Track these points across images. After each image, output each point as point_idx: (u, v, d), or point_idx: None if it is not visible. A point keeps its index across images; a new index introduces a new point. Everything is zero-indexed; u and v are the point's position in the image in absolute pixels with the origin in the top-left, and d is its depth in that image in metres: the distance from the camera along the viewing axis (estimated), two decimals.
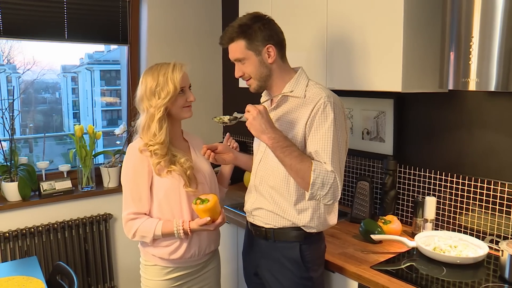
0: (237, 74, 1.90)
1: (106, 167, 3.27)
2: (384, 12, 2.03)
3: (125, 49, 3.50)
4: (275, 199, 1.86)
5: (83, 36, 3.24)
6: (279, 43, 1.85)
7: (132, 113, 3.36)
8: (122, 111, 3.70)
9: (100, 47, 5.24)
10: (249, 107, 1.71)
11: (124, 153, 3.39)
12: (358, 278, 1.90)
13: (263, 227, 1.92)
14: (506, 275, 1.81)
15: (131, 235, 1.91)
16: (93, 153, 3.20)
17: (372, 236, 2.15)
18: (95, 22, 3.25)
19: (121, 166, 3.33)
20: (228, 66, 3.71)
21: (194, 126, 3.60)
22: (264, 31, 1.80)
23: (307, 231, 1.85)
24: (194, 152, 2.06)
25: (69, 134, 3.22)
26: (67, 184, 3.14)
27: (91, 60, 6.08)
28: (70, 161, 3.33)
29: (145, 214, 1.92)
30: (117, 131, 3.31)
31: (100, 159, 3.51)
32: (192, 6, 3.58)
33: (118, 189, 3.28)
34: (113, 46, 4.17)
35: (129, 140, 3.43)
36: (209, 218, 1.83)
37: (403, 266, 1.96)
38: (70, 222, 3.11)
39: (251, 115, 1.69)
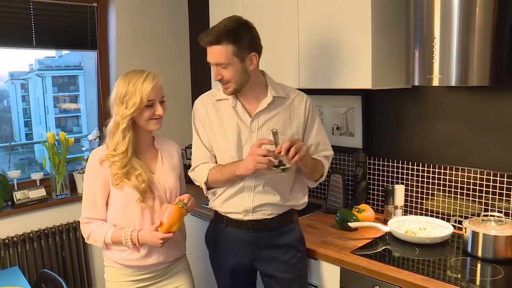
0: (215, 77, 1.90)
1: (80, 173, 3.28)
2: (353, 15, 2.18)
3: (85, 54, 3.54)
4: (278, 190, 1.99)
5: (51, 42, 3.24)
6: (260, 51, 1.93)
7: (104, 119, 3.40)
8: (86, 117, 3.70)
9: (51, 53, 5.15)
10: (298, 145, 1.76)
11: None
12: (340, 263, 2.05)
13: (265, 219, 1.99)
14: (469, 249, 2.03)
15: (86, 238, 1.96)
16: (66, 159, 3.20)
17: (350, 223, 2.31)
18: (63, 28, 3.25)
19: None
20: (196, 70, 3.80)
21: (163, 130, 3.65)
22: (250, 39, 1.86)
23: (299, 209, 2.09)
24: (161, 162, 2.02)
25: (40, 141, 3.21)
26: (41, 192, 3.12)
27: (42, 66, 5.96)
28: (24, 171, 3.31)
29: (101, 219, 1.95)
30: (90, 136, 3.33)
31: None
32: (159, 12, 3.63)
33: None
34: (64, 52, 4.15)
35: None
36: (159, 222, 1.84)
37: (379, 250, 2.12)
38: (46, 231, 3.09)
39: (303, 150, 1.79)
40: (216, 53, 1.84)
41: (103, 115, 3.47)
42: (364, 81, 2.17)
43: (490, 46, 1.86)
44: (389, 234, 2.27)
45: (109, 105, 1.92)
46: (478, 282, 1.83)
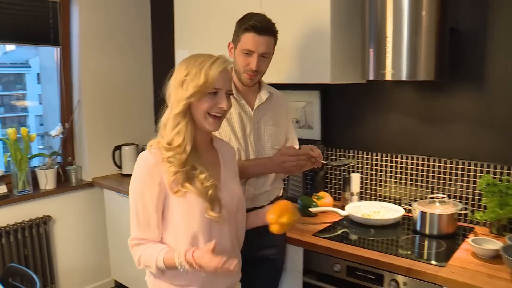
0: (257, 67, 1.90)
1: (43, 169, 3.29)
2: (313, 13, 2.35)
3: (41, 50, 3.54)
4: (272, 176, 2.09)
5: (12, 37, 3.23)
6: None
7: (67, 115, 3.43)
8: (47, 114, 3.70)
9: None
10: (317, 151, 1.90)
11: (60, 155, 3.45)
12: (303, 244, 2.22)
13: (264, 205, 1.99)
14: (418, 227, 2.26)
15: (137, 263, 1.55)
16: (28, 156, 3.20)
17: (311, 209, 2.48)
18: (25, 23, 3.24)
19: (57, 167, 3.38)
20: (158, 67, 3.86)
21: (125, 127, 3.73)
22: None
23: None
24: (224, 166, 1.69)
25: (2, 138, 3.19)
26: (2, 189, 3.09)
27: None
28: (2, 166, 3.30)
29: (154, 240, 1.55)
30: (54, 132, 3.34)
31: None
32: (122, 8, 3.67)
33: (55, 191, 3.33)
34: (9, 48, 4.09)
35: (64, 142, 3.49)
36: (214, 241, 1.43)
37: (339, 232, 2.31)
38: (8, 228, 3.06)
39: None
40: (266, 43, 1.89)
41: (68, 111, 3.50)
42: (324, 76, 2.34)
43: (434, 44, 2.09)
44: (347, 218, 2.46)
45: (164, 95, 1.57)
46: (425, 256, 2.04)
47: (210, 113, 1.52)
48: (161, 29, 3.78)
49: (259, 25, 1.87)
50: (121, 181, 3.44)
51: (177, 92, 1.50)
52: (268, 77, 2.60)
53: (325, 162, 2.01)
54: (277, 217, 1.61)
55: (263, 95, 2.06)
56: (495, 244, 1.95)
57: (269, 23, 1.92)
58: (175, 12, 3.06)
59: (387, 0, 2.10)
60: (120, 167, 3.58)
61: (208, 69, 1.47)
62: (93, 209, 3.57)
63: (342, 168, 2.73)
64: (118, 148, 3.56)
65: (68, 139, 3.55)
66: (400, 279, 1.92)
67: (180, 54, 3.07)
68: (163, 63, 3.75)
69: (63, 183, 3.46)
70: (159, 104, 3.75)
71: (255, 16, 1.91)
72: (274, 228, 1.63)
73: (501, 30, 2.20)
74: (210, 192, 1.52)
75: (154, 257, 1.49)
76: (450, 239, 2.17)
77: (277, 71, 2.52)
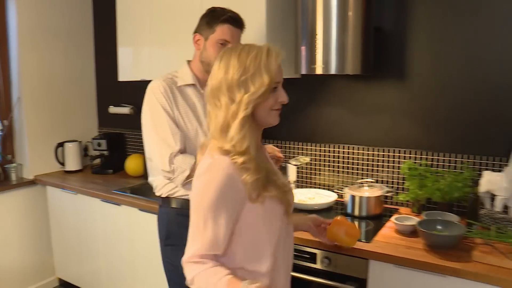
0: None
1: None
2: (250, 11, 2.40)
3: None
4: None
5: None
6: None
7: (6, 112, 3.40)
8: None
9: None
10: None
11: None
12: None
13: None
14: (349, 210, 2.47)
15: (189, 281, 1.38)
16: None
17: None
18: None
19: None
20: (101, 63, 3.89)
21: (67, 124, 3.74)
22: None
23: None
24: (272, 163, 1.57)
25: None
26: None
27: None
28: None
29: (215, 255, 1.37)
30: None
31: None
32: (62, 4, 3.65)
33: None
34: None
35: (3, 140, 3.45)
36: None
37: None
38: None
39: None
40: (239, 35, 2.02)
41: (6, 109, 3.47)
42: None
43: (360, 42, 2.30)
44: None
45: (205, 92, 1.45)
46: None
47: (273, 108, 1.39)
48: (103, 26, 3.81)
49: (235, 18, 1.99)
50: (64, 177, 3.46)
51: (235, 93, 1.33)
52: None
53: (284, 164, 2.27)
54: (347, 235, 1.75)
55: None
56: (413, 221, 2.17)
57: (241, 18, 2.03)
58: (117, 9, 3.12)
59: (317, 1, 2.28)
60: (63, 164, 3.58)
61: (268, 64, 1.33)
62: (35, 207, 3.54)
63: (300, 166, 2.86)
64: (60, 145, 3.57)
65: (7, 136, 3.51)
66: (332, 255, 2.10)
67: (123, 51, 3.14)
68: (105, 60, 3.78)
69: (3, 181, 3.42)
70: (102, 101, 3.79)
71: (225, 10, 2.00)
72: (352, 243, 1.79)
73: (419, 29, 2.44)
74: (288, 196, 1.45)
75: (214, 281, 1.30)
76: (377, 219, 2.39)
77: None
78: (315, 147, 2.85)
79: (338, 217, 1.79)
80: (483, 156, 2.35)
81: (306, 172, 2.90)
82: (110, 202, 2.96)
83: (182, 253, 1.82)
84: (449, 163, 2.44)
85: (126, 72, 3.15)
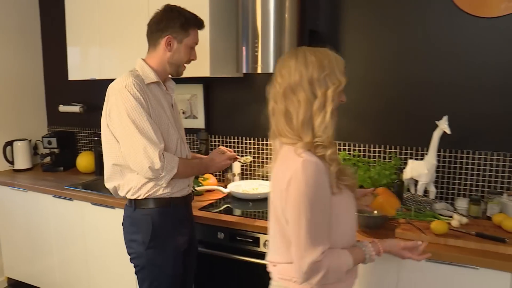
0: (195, 58, 2.12)
1: None
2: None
3: None
4: None
5: None
6: None
7: None
8: None
9: None
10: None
11: None
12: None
13: (191, 192, 2.23)
14: None
15: (316, 282, 1.40)
16: None
17: (197, 188, 2.78)
18: None
19: None
20: (49, 62, 3.91)
21: (16, 123, 3.74)
22: None
23: None
24: None
25: None
26: None
27: None
28: None
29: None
30: None
31: None
32: (9, 2, 3.64)
33: None
34: None
35: None
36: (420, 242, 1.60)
37: (222, 207, 2.63)
38: None
39: None
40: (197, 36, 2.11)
41: None
42: (204, 70, 2.64)
43: (296, 43, 2.48)
44: (229, 195, 2.80)
45: (275, 92, 1.53)
46: None
47: (337, 106, 1.46)
48: (50, 25, 3.83)
49: (202, 22, 2.09)
50: (14, 176, 3.47)
51: (319, 89, 1.41)
52: None
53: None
54: (390, 205, 1.83)
55: (173, 85, 2.22)
56: None
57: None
58: (66, 9, 3.16)
59: (256, 4, 2.45)
60: (12, 163, 3.60)
61: (340, 66, 1.46)
62: None
63: (243, 164, 3.04)
64: (9, 143, 3.58)
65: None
66: None
67: (73, 50, 3.19)
68: (54, 58, 3.81)
69: None
70: (51, 100, 3.82)
71: (189, 12, 2.06)
72: (393, 213, 1.86)
73: (352, 33, 2.67)
74: (356, 184, 1.55)
75: (344, 261, 1.44)
76: None
77: None
78: (257, 141, 3.03)
79: (381, 189, 1.86)
80: (407, 146, 2.60)
81: (250, 165, 3.08)
82: (63, 197, 3.02)
83: (166, 250, 2.05)
84: (379, 153, 2.68)
85: (76, 71, 3.21)
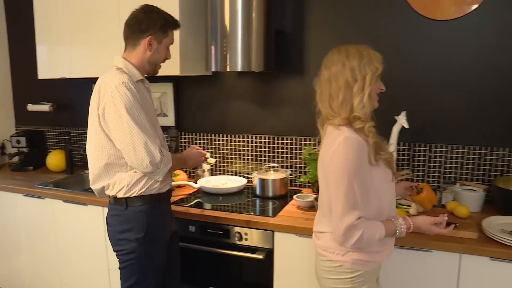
0: (170, 57, 2.20)
1: None
2: None
3: None
4: None
5: None
6: None
7: None
8: None
9: None
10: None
11: None
12: None
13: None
14: (258, 192, 2.78)
15: (352, 243, 1.60)
16: None
17: None
18: None
19: None
20: (16, 60, 3.88)
21: None
22: None
23: None
24: None
25: None
26: None
27: None
28: None
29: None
30: None
31: None
32: None
33: None
34: None
35: None
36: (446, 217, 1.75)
37: (193, 201, 2.71)
38: None
39: None
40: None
41: None
42: (174, 69, 2.71)
43: (263, 43, 2.59)
44: (200, 190, 2.89)
45: (321, 81, 1.73)
46: (261, 212, 2.52)
47: (376, 92, 1.72)
48: (17, 24, 3.81)
49: (179, 23, 2.18)
50: None
51: (359, 74, 1.63)
52: None
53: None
54: (429, 201, 2.01)
55: (147, 85, 2.23)
56: (311, 197, 2.52)
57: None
58: (34, 8, 3.15)
59: (224, 5, 2.54)
60: None
61: (377, 57, 1.68)
62: None
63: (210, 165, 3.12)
64: None
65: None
66: (242, 230, 2.39)
67: (42, 49, 3.20)
68: (21, 57, 3.79)
69: None
70: (19, 99, 3.80)
71: (168, 13, 2.14)
72: (429, 207, 2.03)
73: (316, 32, 2.80)
74: (393, 160, 1.75)
75: (378, 231, 1.62)
76: (282, 199, 2.71)
77: None
78: (226, 137, 3.13)
79: (425, 184, 2.03)
80: None
81: (219, 161, 3.17)
82: (33, 196, 3.03)
83: (157, 244, 2.14)
84: None
85: (46, 70, 3.21)
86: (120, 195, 2.07)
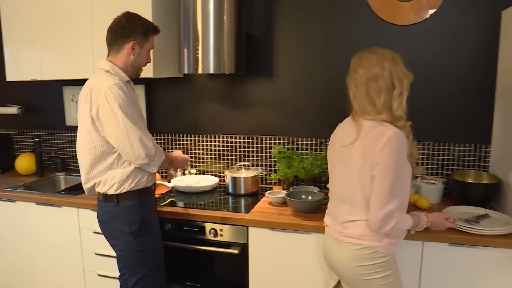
0: (150, 61, 2.34)
1: None
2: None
3: None
4: None
5: None
6: None
7: None
8: None
9: None
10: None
11: None
12: None
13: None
14: (230, 190, 2.88)
15: (387, 229, 1.75)
16: None
17: None
18: None
19: None
20: None
21: None
22: None
23: None
24: None
25: None
26: None
27: None
28: None
29: None
30: None
31: None
32: None
33: None
34: None
35: None
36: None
37: (167, 200, 2.77)
38: None
39: None
40: None
41: None
42: (147, 71, 2.74)
43: (234, 46, 2.69)
44: (173, 189, 2.96)
45: (368, 79, 1.81)
46: (235, 208, 2.62)
47: None
48: None
49: (159, 29, 2.33)
50: None
51: (396, 80, 1.80)
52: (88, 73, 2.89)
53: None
54: None
55: (133, 86, 2.33)
56: (283, 194, 2.63)
57: None
58: (1, 8, 3.12)
59: (197, 9, 2.62)
60: None
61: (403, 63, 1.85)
62: None
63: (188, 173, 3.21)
64: None
65: None
66: (217, 227, 2.48)
67: (10, 51, 3.15)
68: None
69: None
70: None
71: (148, 20, 2.29)
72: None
73: (282, 36, 2.92)
74: (416, 156, 1.90)
75: (408, 222, 1.81)
76: (254, 196, 2.82)
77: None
78: (198, 138, 3.20)
79: None
80: None
81: (192, 161, 3.24)
82: (4, 200, 3.01)
83: (154, 235, 2.29)
84: (310, 146, 2.96)
85: (15, 72, 3.16)
86: (111, 192, 2.18)
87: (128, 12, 2.26)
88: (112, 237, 2.27)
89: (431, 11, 2.60)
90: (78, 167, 3.47)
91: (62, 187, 3.37)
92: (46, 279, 3.03)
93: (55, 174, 3.43)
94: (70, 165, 3.60)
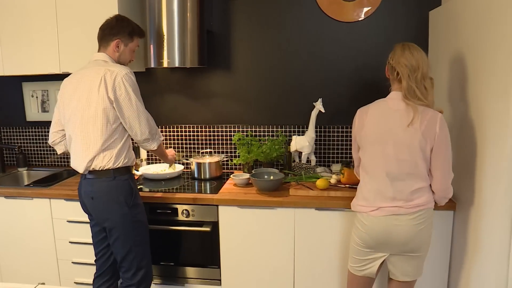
0: (134, 58, 2.59)
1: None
2: (103, 15, 2.59)
3: None
4: None
5: None
6: None
7: None
8: None
9: None
10: None
11: None
12: None
13: None
14: (196, 175, 3.11)
15: (450, 193, 2.17)
16: None
17: None
18: None
19: None
20: None
21: None
22: None
23: None
24: None
25: None
26: None
27: None
28: None
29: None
30: None
31: None
32: None
33: None
34: None
35: None
36: None
37: (138, 187, 2.89)
38: None
39: None
40: None
41: None
42: None
43: (197, 41, 2.90)
44: (141, 177, 3.13)
45: (419, 73, 2.09)
46: (203, 191, 2.83)
47: None
48: None
49: (144, 32, 2.59)
50: None
51: (427, 72, 2.11)
52: (69, 68, 3.00)
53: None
54: None
55: None
56: (247, 175, 2.89)
57: None
58: None
59: (162, 7, 2.81)
60: None
61: None
62: None
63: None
64: None
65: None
66: (189, 208, 2.70)
67: None
68: None
69: None
70: None
71: (136, 24, 2.52)
72: None
73: (240, 33, 3.17)
74: None
75: None
76: (219, 179, 3.06)
77: (76, 65, 2.92)
78: (161, 129, 3.38)
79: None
80: (291, 125, 3.19)
81: None
82: None
83: (142, 207, 2.50)
84: (268, 132, 3.23)
85: None
86: (109, 165, 2.35)
87: (119, 15, 2.54)
88: (106, 211, 2.39)
89: (371, 10, 2.95)
90: (42, 161, 3.59)
91: (26, 182, 3.42)
92: (19, 271, 3.07)
93: (17, 170, 3.47)
94: (32, 160, 3.65)
